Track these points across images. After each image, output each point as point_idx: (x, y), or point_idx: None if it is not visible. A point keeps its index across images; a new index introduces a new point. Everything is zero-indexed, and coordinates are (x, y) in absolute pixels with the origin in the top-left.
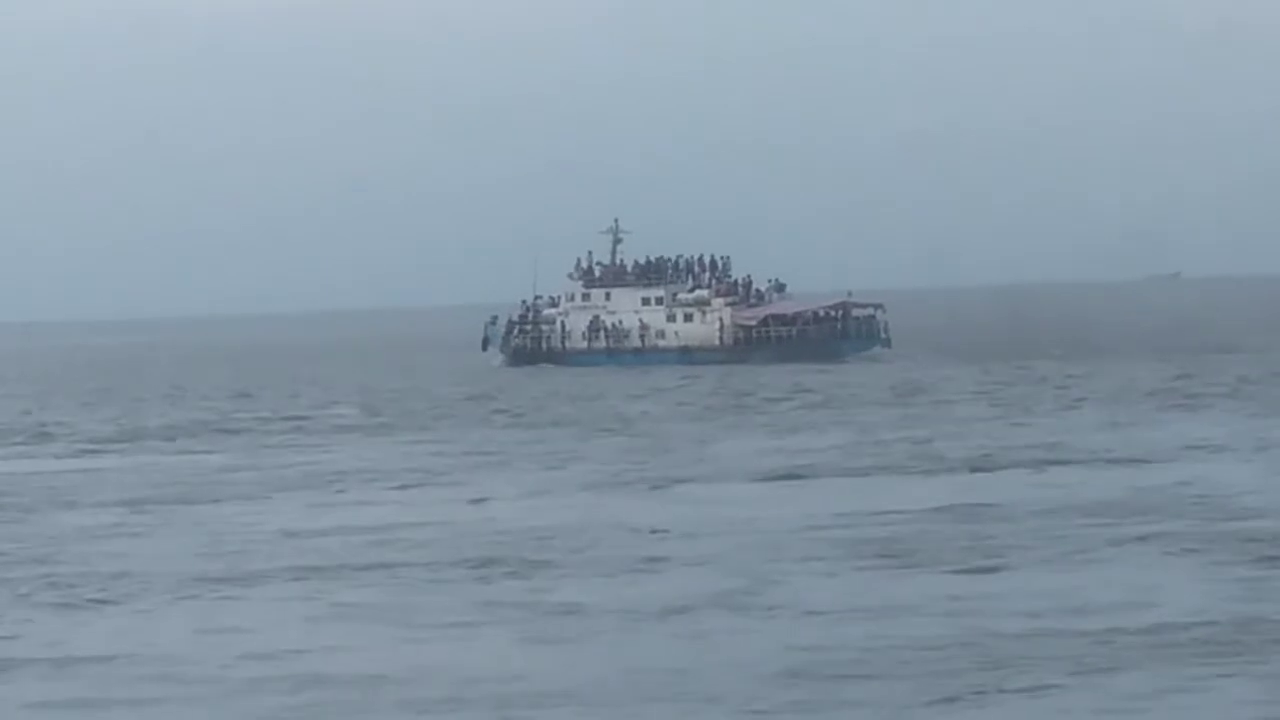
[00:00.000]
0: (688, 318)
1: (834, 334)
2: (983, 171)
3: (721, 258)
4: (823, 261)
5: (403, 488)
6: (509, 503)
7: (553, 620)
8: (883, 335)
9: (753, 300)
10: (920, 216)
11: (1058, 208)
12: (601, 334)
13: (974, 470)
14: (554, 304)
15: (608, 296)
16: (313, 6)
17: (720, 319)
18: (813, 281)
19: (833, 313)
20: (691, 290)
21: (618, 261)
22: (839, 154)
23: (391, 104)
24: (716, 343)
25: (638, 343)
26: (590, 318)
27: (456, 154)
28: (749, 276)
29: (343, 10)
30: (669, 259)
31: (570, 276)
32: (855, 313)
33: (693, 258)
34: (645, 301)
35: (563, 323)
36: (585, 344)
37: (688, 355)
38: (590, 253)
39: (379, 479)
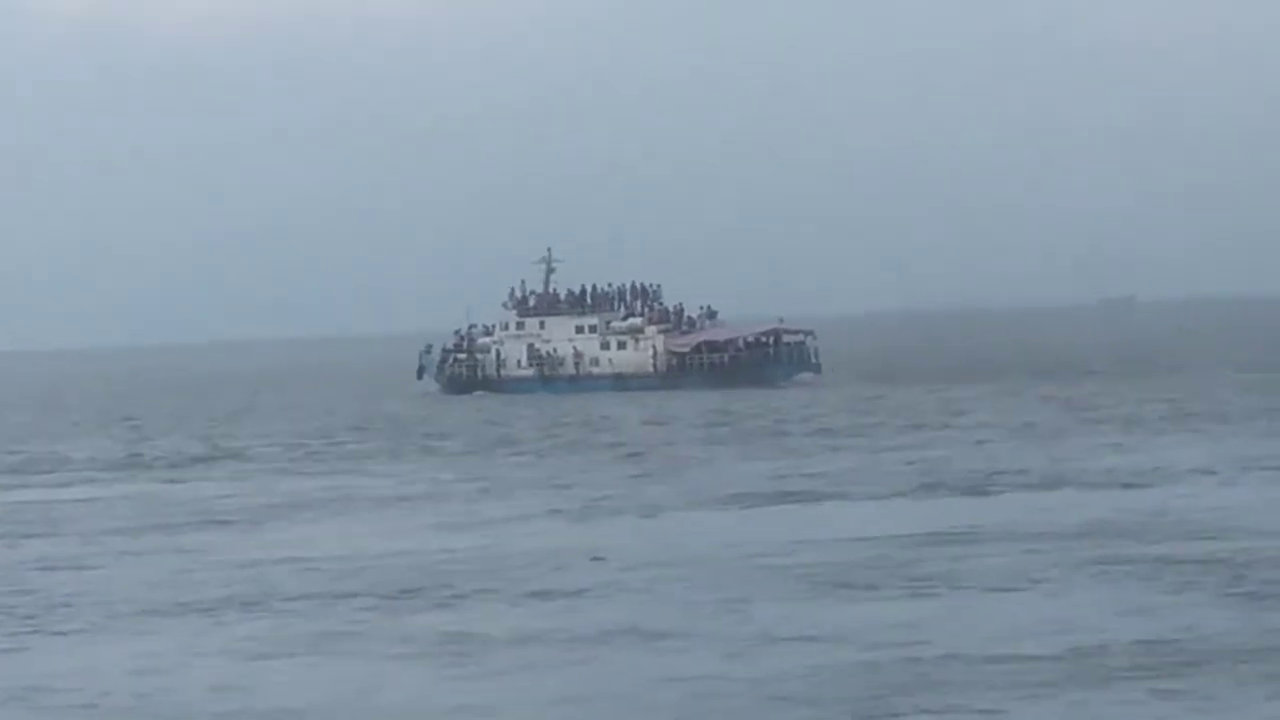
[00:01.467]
0: (621, 345)
1: (765, 360)
2: (940, 195)
3: (653, 286)
4: (791, 285)
5: (362, 517)
6: (453, 532)
7: (465, 650)
8: (813, 361)
9: (684, 327)
10: (879, 241)
11: (1015, 233)
12: (536, 362)
13: (913, 497)
14: (488, 333)
15: (542, 325)
16: (269, 31)
17: (654, 346)
18: (785, 305)
19: (764, 339)
20: (625, 318)
21: (551, 290)
22: (790, 178)
23: (338, 127)
24: (650, 369)
25: (572, 370)
26: (525, 346)
27: (395, 180)
28: (680, 304)
29: (301, 32)
30: (601, 288)
31: (505, 305)
32: (786, 339)
33: (624, 286)
34: (579, 329)
35: (498, 350)
36: (520, 371)
37: (622, 382)
38: (524, 281)
39: (353, 508)
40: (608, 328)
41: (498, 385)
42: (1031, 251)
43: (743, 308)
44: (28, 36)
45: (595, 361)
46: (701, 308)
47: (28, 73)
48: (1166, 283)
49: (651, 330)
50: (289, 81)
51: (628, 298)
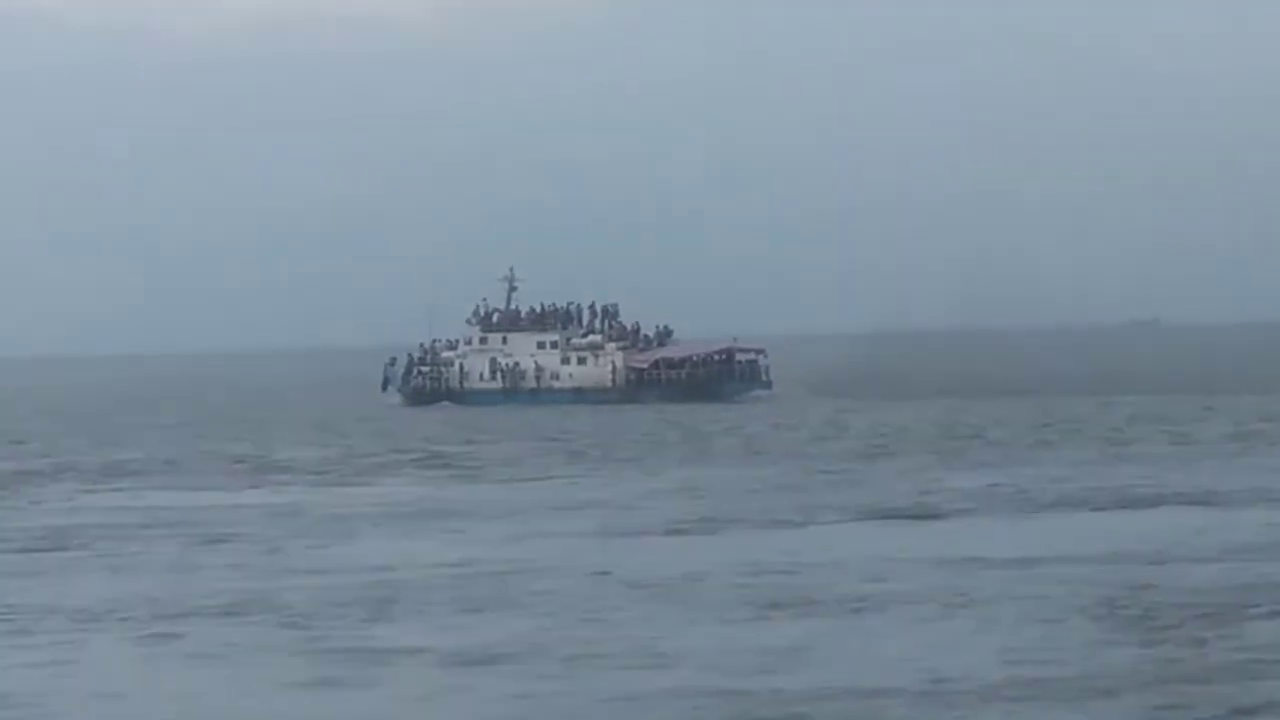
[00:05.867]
0: (581, 360)
1: (720, 376)
2: (949, 211)
3: (611, 305)
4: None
5: (403, 531)
6: (506, 543)
7: (370, 664)
8: (764, 378)
9: (641, 345)
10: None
11: (1042, 254)
12: (499, 375)
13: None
14: (452, 347)
15: (504, 340)
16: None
17: (613, 362)
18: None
19: (718, 357)
20: (585, 335)
21: (512, 307)
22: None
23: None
24: (609, 384)
25: (534, 383)
26: (488, 359)
27: (364, 193)
28: (637, 322)
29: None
30: (560, 306)
31: (468, 321)
32: (739, 357)
33: (581, 305)
34: (541, 345)
35: (461, 364)
36: (483, 384)
37: (581, 395)
38: (485, 299)
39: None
40: (568, 344)
41: (461, 397)
42: (1058, 271)
43: (713, 326)
44: (46, 43)
45: (556, 376)
46: (657, 326)
47: (46, 79)
48: (1192, 306)
49: (611, 347)
50: (298, 85)
51: (586, 316)
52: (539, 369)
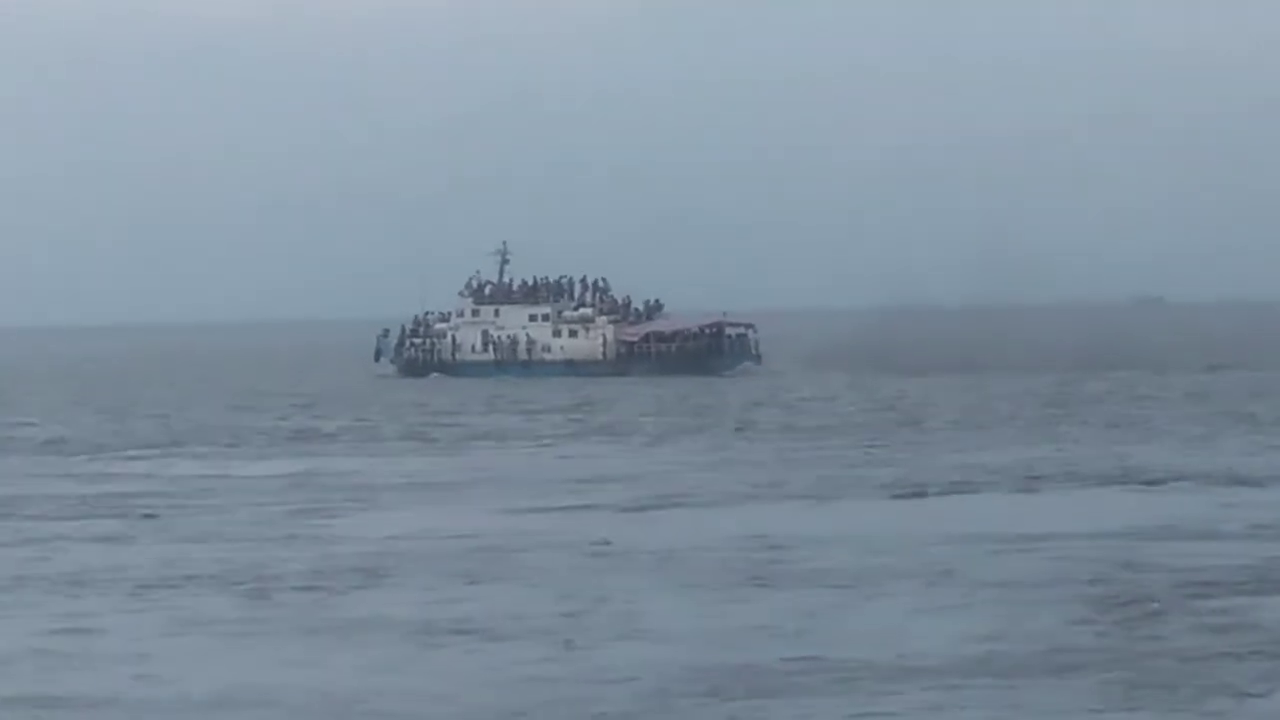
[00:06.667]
0: (572, 333)
1: (710, 350)
2: (959, 190)
3: (601, 279)
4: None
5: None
6: (514, 514)
7: (353, 634)
8: (754, 352)
9: (631, 318)
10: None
11: (1047, 228)
12: (491, 347)
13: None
14: (444, 319)
15: (497, 312)
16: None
17: (604, 335)
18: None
19: (708, 330)
20: (576, 308)
21: (505, 280)
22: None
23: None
24: (600, 357)
25: (525, 356)
26: (480, 332)
27: (361, 167)
28: (628, 296)
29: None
30: (551, 279)
31: (461, 294)
32: (729, 331)
33: (572, 278)
34: (532, 318)
35: (454, 336)
36: (474, 356)
37: (573, 368)
38: (479, 271)
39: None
40: (559, 317)
41: (453, 369)
42: (1063, 249)
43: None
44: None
45: (547, 348)
46: (647, 300)
47: (55, 54)
48: (1198, 284)
49: (602, 320)
50: (303, 66)
51: (577, 289)
52: (530, 341)
